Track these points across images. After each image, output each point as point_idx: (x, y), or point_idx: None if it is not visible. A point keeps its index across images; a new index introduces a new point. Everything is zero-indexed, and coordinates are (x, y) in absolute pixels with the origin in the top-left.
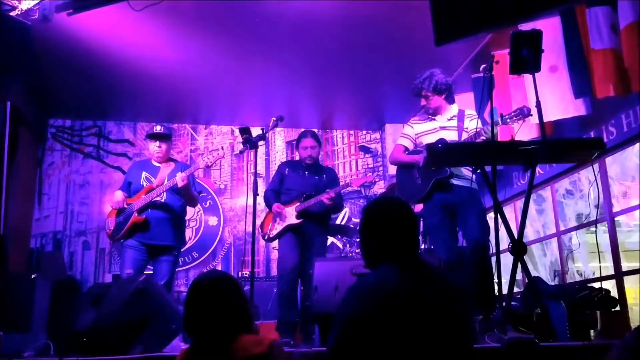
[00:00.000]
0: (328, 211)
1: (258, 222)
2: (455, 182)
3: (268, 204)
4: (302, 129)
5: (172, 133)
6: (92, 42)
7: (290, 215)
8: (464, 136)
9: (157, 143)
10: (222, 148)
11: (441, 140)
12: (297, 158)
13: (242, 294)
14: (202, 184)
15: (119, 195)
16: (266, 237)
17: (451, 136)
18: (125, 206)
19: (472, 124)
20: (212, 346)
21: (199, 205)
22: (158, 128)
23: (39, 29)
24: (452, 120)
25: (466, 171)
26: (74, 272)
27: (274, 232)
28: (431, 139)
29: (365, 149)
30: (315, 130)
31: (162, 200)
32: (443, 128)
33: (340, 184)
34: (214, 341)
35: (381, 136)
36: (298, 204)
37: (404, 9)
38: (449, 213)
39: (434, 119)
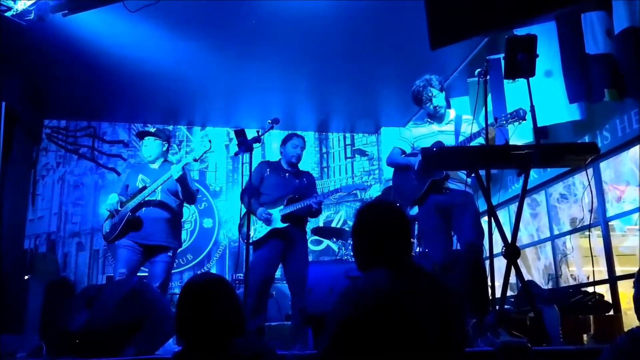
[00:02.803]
0: (308, 214)
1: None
2: (450, 185)
3: (249, 207)
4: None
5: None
6: (87, 43)
7: (275, 218)
8: (461, 140)
9: (146, 141)
10: (210, 141)
11: (437, 144)
12: (279, 158)
13: (235, 297)
14: (197, 185)
15: (113, 197)
16: (248, 241)
17: (448, 140)
18: (120, 208)
19: (469, 128)
20: (204, 349)
21: (194, 207)
22: (152, 130)
23: (35, 29)
24: (450, 125)
25: (462, 174)
26: (67, 273)
27: (258, 235)
28: (428, 142)
29: (361, 152)
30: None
31: (157, 199)
32: (441, 132)
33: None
34: (206, 344)
35: (377, 139)
36: (282, 207)
37: (401, 12)
38: (444, 216)
39: (432, 123)
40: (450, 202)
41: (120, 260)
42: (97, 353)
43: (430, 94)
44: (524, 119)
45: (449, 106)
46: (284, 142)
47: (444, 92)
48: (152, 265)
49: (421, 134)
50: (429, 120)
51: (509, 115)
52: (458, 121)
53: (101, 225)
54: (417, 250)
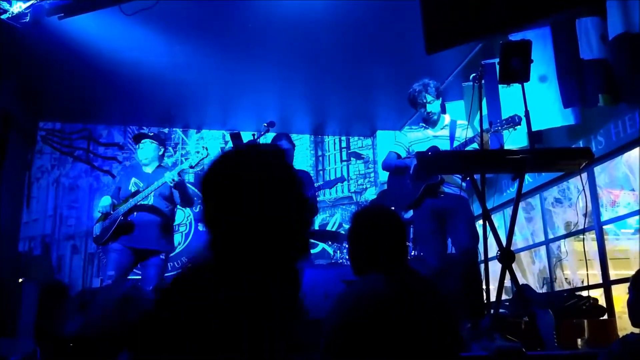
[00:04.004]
0: None
1: None
2: (445, 189)
3: None
4: (276, 133)
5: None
6: (83, 46)
7: None
8: (456, 145)
9: (143, 144)
10: (206, 149)
11: (432, 149)
12: None
13: None
14: (192, 188)
15: (106, 200)
16: None
17: (443, 145)
18: (112, 211)
19: (464, 133)
20: None
21: (189, 210)
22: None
23: (30, 32)
24: (445, 130)
25: (457, 178)
26: (62, 276)
27: None
28: (423, 147)
29: (356, 155)
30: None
31: (149, 203)
32: (436, 137)
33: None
34: None
35: (373, 142)
36: None
37: (397, 16)
38: (439, 220)
39: (427, 128)
40: (445, 207)
41: (110, 264)
42: (92, 358)
43: (424, 100)
44: (519, 124)
45: (444, 111)
46: None
47: (440, 99)
48: (145, 269)
49: (416, 139)
50: (424, 125)
51: (504, 121)
52: (453, 126)
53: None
54: (413, 254)
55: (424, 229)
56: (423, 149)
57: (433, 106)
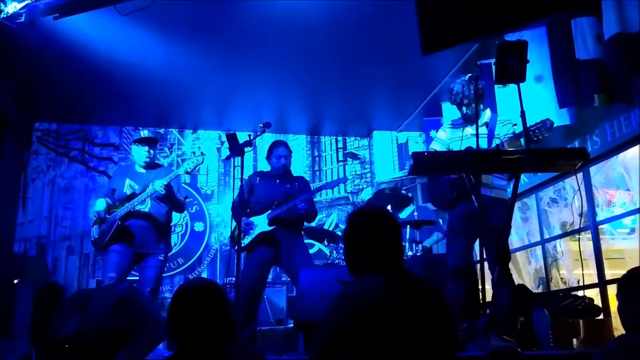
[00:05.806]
0: (301, 218)
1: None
2: (483, 192)
3: (235, 217)
4: (275, 140)
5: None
6: (78, 46)
7: (258, 224)
8: (495, 143)
9: (147, 148)
10: (202, 153)
11: (469, 149)
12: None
13: (227, 303)
14: (188, 189)
15: (101, 204)
16: (236, 248)
17: (482, 143)
18: (108, 215)
19: (504, 129)
20: (196, 355)
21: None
22: (145, 133)
23: (25, 32)
24: (483, 127)
25: (497, 180)
26: (57, 277)
27: (244, 241)
28: (462, 145)
29: (353, 156)
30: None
31: (146, 209)
32: (474, 135)
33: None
34: (198, 350)
35: (369, 143)
36: (270, 211)
37: (393, 17)
38: (472, 223)
39: (467, 126)
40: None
41: (110, 265)
42: (87, 359)
43: (463, 102)
44: (550, 129)
45: (485, 108)
46: (268, 155)
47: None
48: (143, 270)
49: (456, 137)
50: (464, 122)
51: (540, 124)
52: (493, 122)
53: (90, 230)
54: (409, 254)
55: (454, 227)
56: (462, 147)
57: (472, 107)
